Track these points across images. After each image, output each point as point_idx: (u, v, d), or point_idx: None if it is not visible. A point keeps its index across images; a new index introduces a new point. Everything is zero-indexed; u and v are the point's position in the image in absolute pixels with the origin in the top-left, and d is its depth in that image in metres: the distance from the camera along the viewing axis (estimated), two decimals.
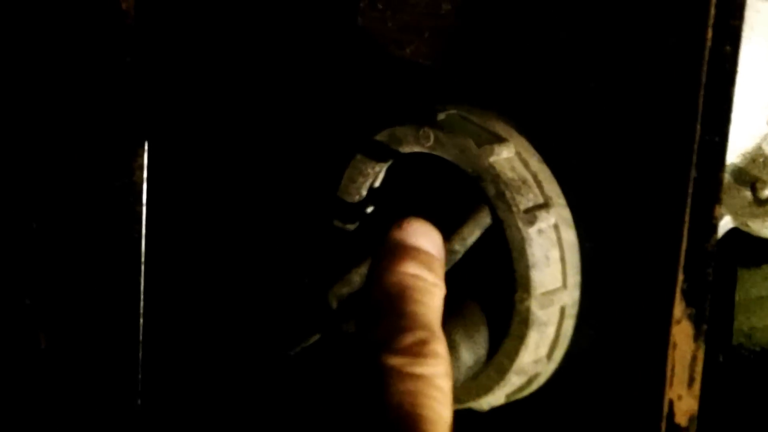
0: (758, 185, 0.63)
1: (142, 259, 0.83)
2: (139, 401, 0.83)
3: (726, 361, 1.23)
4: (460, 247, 0.56)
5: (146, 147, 0.81)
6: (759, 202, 0.63)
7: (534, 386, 0.60)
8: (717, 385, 1.25)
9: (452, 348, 0.57)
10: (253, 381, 0.65)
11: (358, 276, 0.59)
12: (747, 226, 0.64)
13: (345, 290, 0.58)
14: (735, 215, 0.64)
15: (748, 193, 0.64)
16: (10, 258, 0.81)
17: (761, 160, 0.63)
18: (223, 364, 0.75)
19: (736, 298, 1.24)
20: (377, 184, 0.63)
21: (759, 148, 0.64)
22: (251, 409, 0.62)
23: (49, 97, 0.80)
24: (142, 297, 0.82)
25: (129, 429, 0.81)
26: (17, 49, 0.78)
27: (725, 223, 0.66)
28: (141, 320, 0.84)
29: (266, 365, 0.62)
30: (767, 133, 0.64)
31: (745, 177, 0.63)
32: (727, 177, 0.64)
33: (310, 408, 0.52)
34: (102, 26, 0.78)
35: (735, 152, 0.64)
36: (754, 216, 0.63)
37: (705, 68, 0.50)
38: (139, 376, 0.83)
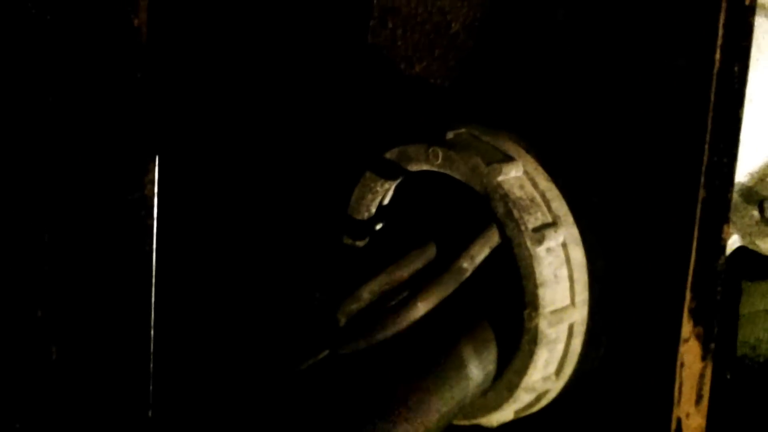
0: (766, 204, 0.63)
1: (153, 272, 0.84)
2: (150, 413, 0.84)
3: (733, 378, 1.23)
4: (469, 265, 0.56)
5: (157, 162, 0.82)
6: (767, 221, 0.63)
7: (543, 402, 0.60)
8: (722, 396, 1.26)
9: (461, 365, 0.58)
10: (263, 395, 0.66)
11: (367, 293, 0.59)
12: (755, 244, 0.65)
13: (354, 307, 0.59)
14: (743, 234, 0.64)
15: (755, 212, 0.64)
16: (22, 270, 0.82)
17: None
18: (233, 376, 0.75)
19: (741, 310, 1.25)
20: (386, 201, 0.64)
21: (767, 167, 0.64)
22: (260, 422, 0.63)
23: (62, 113, 0.81)
24: (153, 309, 0.83)
25: None
26: (32, 67, 0.79)
27: (733, 242, 0.66)
28: (152, 332, 0.85)
29: (277, 379, 0.62)
30: None
31: (754, 196, 0.64)
32: (735, 196, 0.64)
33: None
34: (114, 44, 0.79)
35: (743, 172, 0.64)
36: (762, 235, 0.64)
37: (714, 89, 0.51)
38: (151, 388, 0.83)
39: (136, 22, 0.80)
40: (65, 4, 0.78)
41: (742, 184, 0.64)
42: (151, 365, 0.85)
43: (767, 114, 0.64)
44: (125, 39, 0.79)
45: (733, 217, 0.64)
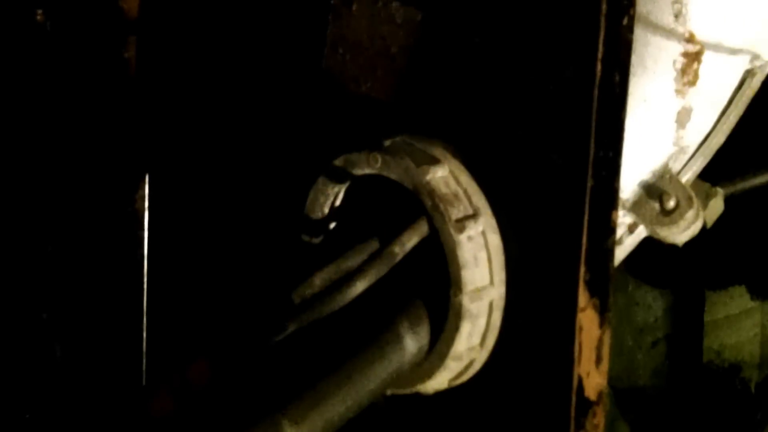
0: (664, 197, 0.72)
1: (145, 279, 0.94)
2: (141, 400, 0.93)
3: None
4: (400, 250, 0.66)
5: (147, 179, 0.92)
6: (665, 212, 0.72)
7: (471, 372, 0.69)
8: (689, 399, 1.34)
9: (398, 338, 0.67)
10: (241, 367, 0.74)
11: (318, 280, 0.69)
12: (656, 233, 0.74)
13: (307, 291, 0.68)
14: (647, 224, 0.73)
15: (656, 205, 0.73)
16: (28, 277, 0.92)
17: (668, 176, 0.73)
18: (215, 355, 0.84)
19: (705, 318, 1.33)
20: (338, 202, 0.73)
21: (666, 165, 0.73)
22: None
23: (64, 138, 0.91)
24: (144, 310, 0.93)
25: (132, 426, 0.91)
26: (33, 96, 0.89)
27: (640, 232, 0.76)
28: (144, 333, 0.95)
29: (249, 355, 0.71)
30: (673, 152, 0.74)
31: (655, 191, 0.73)
32: (640, 191, 0.74)
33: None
34: (107, 74, 0.89)
35: (646, 170, 0.74)
36: (662, 224, 0.73)
37: (596, 95, 0.60)
38: (143, 380, 0.93)
39: (126, 55, 0.90)
40: (66, 41, 0.88)
41: (645, 181, 0.73)
42: (144, 360, 0.94)
43: (666, 119, 0.73)
44: (117, 70, 0.90)
45: (639, 209, 0.73)
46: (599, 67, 0.60)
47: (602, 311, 0.63)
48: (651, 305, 1.34)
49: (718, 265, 1.29)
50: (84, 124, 0.90)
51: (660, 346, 1.34)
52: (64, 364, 0.92)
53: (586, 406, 0.64)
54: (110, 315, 0.93)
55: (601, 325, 0.63)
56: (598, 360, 0.64)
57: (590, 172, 0.61)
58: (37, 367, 0.92)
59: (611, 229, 0.62)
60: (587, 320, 0.63)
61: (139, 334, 0.94)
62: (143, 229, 0.93)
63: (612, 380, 1.37)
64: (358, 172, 0.70)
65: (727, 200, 0.82)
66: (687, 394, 1.34)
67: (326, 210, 0.73)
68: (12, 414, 0.91)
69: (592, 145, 0.61)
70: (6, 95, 0.87)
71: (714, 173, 0.78)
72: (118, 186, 0.92)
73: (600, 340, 0.63)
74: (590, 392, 0.63)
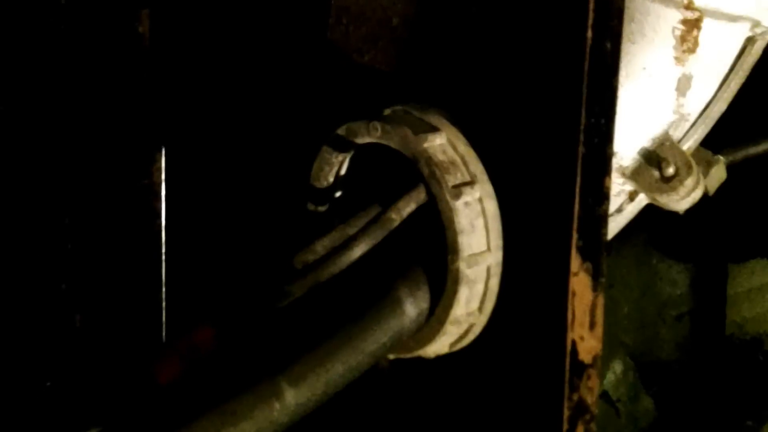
0: (663, 165, 0.73)
1: (163, 249, 0.96)
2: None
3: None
4: (396, 216, 0.67)
5: (163, 152, 0.94)
6: (664, 179, 0.73)
7: (471, 336, 0.70)
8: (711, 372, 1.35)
9: (398, 302, 0.68)
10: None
11: (320, 246, 0.70)
12: (656, 200, 0.74)
13: (309, 257, 0.70)
14: (647, 191, 0.74)
15: (656, 172, 0.73)
16: (47, 249, 0.94)
17: (668, 143, 0.73)
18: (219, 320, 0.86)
19: (728, 291, 1.34)
20: (343, 171, 0.74)
21: (666, 133, 0.74)
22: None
23: (81, 113, 0.93)
24: (163, 279, 0.95)
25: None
26: (51, 71, 0.91)
27: (641, 199, 0.76)
28: (164, 303, 0.97)
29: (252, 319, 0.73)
30: (674, 120, 0.74)
31: (654, 158, 0.73)
32: (639, 159, 0.74)
33: None
34: (122, 49, 0.91)
35: (646, 137, 0.74)
36: (661, 191, 0.73)
37: (587, 62, 0.61)
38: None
39: (140, 29, 0.92)
40: (80, 14, 0.90)
41: (645, 149, 0.74)
42: (163, 330, 0.97)
43: (666, 87, 0.73)
44: (131, 44, 0.91)
45: (638, 177, 0.74)
46: (590, 34, 0.61)
47: (595, 276, 0.64)
48: (675, 279, 1.36)
49: (740, 238, 1.29)
50: (99, 98, 0.92)
51: (684, 320, 1.35)
52: (84, 334, 0.95)
53: (580, 369, 0.64)
54: (128, 285, 0.95)
55: (594, 289, 0.64)
56: (592, 324, 0.64)
57: (582, 140, 0.62)
58: (57, 337, 0.94)
59: (604, 195, 0.63)
60: (580, 285, 0.63)
61: (158, 300, 0.97)
62: (160, 201, 0.95)
63: (635, 354, 1.38)
64: (360, 140, 0.71)
65: (749, 172, 0.82)
66: (710, 368, 1.35)
67: (331, 179, 0.74)
68: (33, 383, 0.94)
69: (584, 112, 0.61)
70: (22, 70, 0.89)
71: (717, 141, 0.78)
72: (135, 159, 0.94)
73: (593, 304, 0.64)
74: (584, 355, 0.64)
